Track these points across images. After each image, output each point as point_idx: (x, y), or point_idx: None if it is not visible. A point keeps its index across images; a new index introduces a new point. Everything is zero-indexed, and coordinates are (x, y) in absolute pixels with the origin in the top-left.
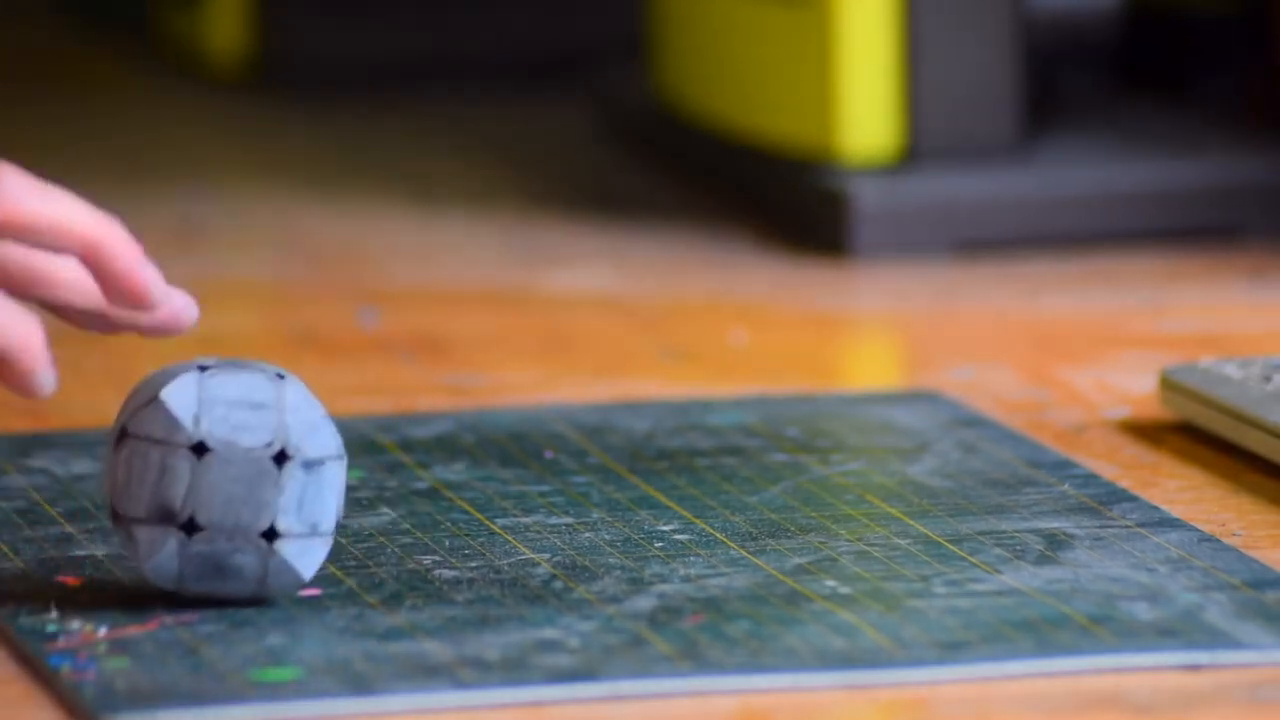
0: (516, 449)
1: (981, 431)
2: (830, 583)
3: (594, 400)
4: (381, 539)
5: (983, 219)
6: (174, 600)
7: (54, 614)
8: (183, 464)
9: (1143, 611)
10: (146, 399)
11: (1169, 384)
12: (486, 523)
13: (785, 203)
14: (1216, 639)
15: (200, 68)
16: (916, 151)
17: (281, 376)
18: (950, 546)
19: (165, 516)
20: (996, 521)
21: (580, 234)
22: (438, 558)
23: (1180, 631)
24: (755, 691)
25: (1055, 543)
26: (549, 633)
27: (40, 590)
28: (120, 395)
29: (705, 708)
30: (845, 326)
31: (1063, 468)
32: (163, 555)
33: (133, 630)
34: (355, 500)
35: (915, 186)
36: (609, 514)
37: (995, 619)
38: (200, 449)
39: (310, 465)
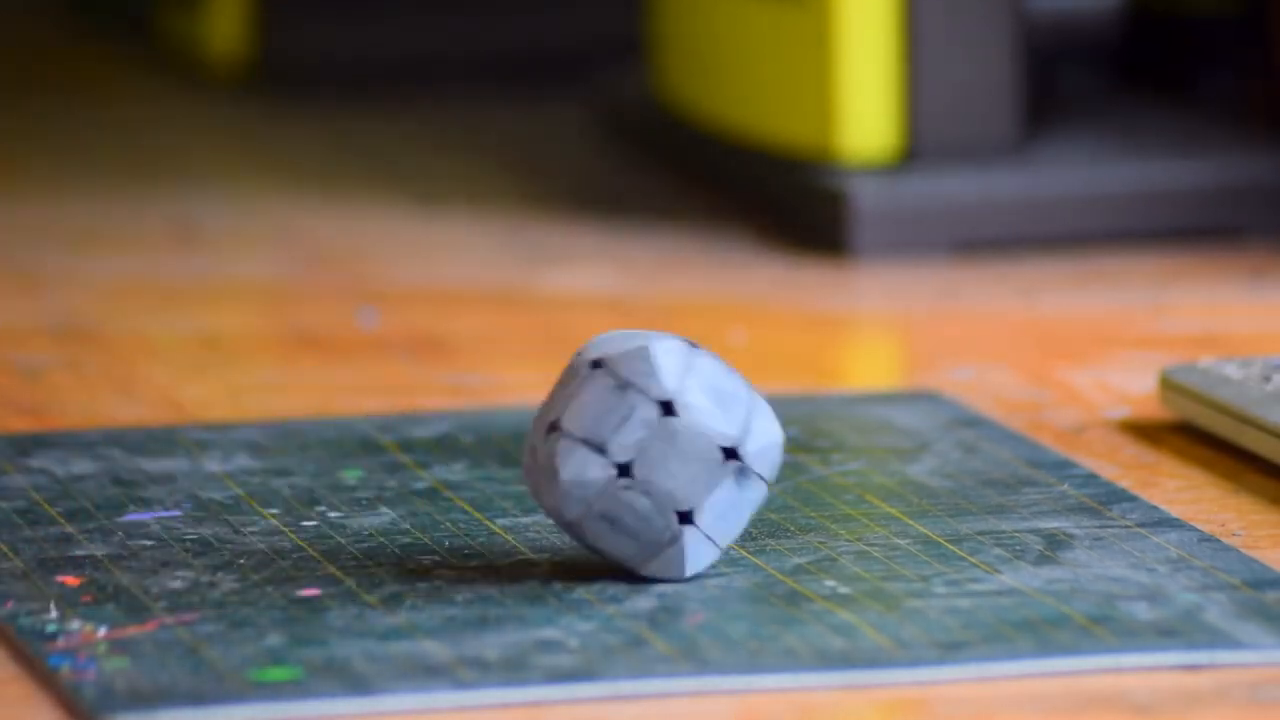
0: (516, 449)
1: (981, 431)
2: (830, 583)
3: None
4: (381, 539)
5: (982, 219)
6: (174, 600)
7: (54, 614)
8: (650, 414)
9: (1142, 611)
10: (632, 345)
11: (1169, 384)
12: (486, 523)
13: (785, 203)
14: (1216, 639)
15: (200, 68)
16: (916, 151)
17: (752, 389)
18: (950, 546)
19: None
20: (996, 521)
21: (580, 234)
22: (438, 558)
23: (1180, 631)
24: (755, 691)
25: (1055, 543)
26: (549, 633)
27: (40, 590)
28: (120, 395)
29: (705, 708)
30: (845, 326)
31: (1062, 468)
32: (586, 479)
33: (133, 630)
34: (355, 500)
35: (915, 186)
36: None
37: (995, 619)
38: (669, 408)
39: (748, 477)
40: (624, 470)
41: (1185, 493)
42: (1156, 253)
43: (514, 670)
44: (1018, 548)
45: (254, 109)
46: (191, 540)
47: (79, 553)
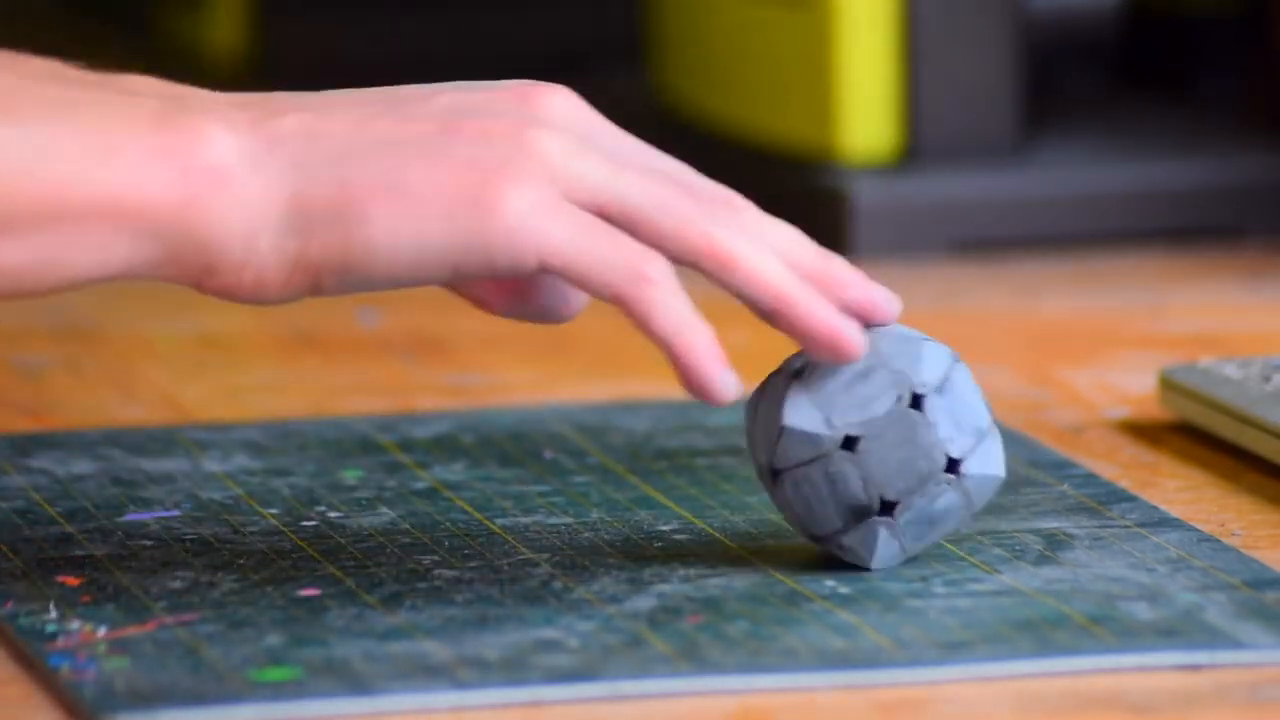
0: (516, 449)
1: None
2: (829, 583)
3: (594, 400)
4: (381, 539)
5: (983, 219)
6: (174, 600)
7: (54, 614)
8: (845, 466)
9: (1142, 611)
10: (776, 433)
11: (1168, 384)
12: (486, 523)
13: (785, 203)
14: (1216, 639)
15: (200, 67)
16: (916, 151)
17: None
18: (950, 546)
19: (861, 514)
20: (996, 521)
21: None
22: (437, 558)
23: (1180, 631)
24: (755, 691)
25: (1055, 543)
26: (548, 632)
27: (40, 590)
28: (120, 395)
29: (705, 708)
30: None
31: (1062, 468)
32: (881, 546)
33: (132, 630)
34: (354, 500)
35: (915, 186)
36: (608, 514)
37: (995, 619)
38: (849, 443)
39: (940, 389)
40: (886, 508)
41: (1185, 493)
42: (1156, 253)
43: (514, 670)
44: (1017, 548)
45: None
46: (191, 540)
47: (79, 553)
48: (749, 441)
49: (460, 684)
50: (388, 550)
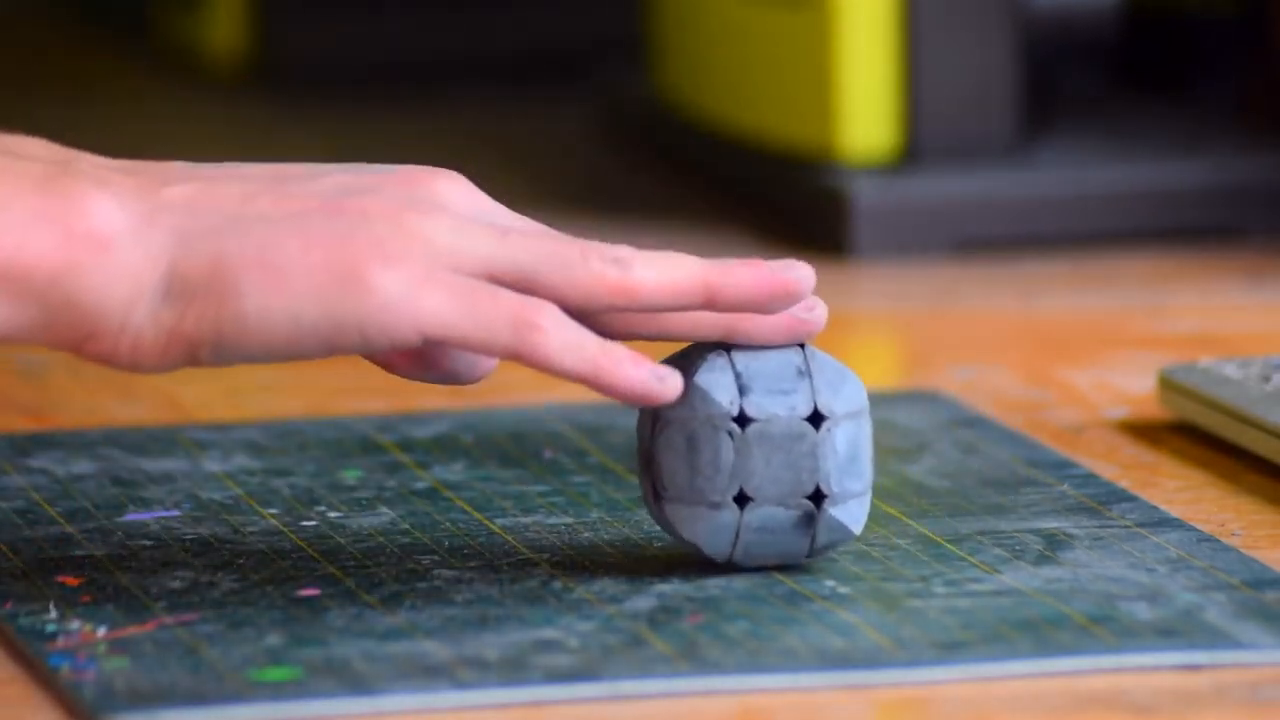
0: (516, 449)
1: (981, 431)
2: (829, 583)
3: (594, 400)
4: (381, 539)
5: (982, 219)
6: (174, 600)
7: (53, 614)
8: (725, 441)
9: (1142, 611)
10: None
11: (1168, 384)
12: (486, 523)
13: (785, 203)
14: (1216, 639)
15: (200, 68)
16: (916, 151)
17: (802, 346)
18: (949, 546)
19: (715, 494)
20: (995, 521)
21: (580, 234)
22: (437, 558)
23: (1180, 631)
24: (754, 691)
25: (1054, 543)
26: (548, 633)
27: (40, 590)
28: (120, 395)
29: (704, 708)
30: (845, 326)
31: (1062, 468)
32: (714, 532)
33: (132, 630)
34: (354, 500)
35: (915, 186)
36: (608, 514)
37: (994, 619)
38: (742, 420)
39: (846, 424)
40: (741, 500)
41: (1185, 493)
42: (1156, 253)
43: (514, 670)
44: (1017, 548)
45: (254, 109)
46: (191, 540)
47: (78, 553)
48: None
49: (460, 684)
50: (387, 550)
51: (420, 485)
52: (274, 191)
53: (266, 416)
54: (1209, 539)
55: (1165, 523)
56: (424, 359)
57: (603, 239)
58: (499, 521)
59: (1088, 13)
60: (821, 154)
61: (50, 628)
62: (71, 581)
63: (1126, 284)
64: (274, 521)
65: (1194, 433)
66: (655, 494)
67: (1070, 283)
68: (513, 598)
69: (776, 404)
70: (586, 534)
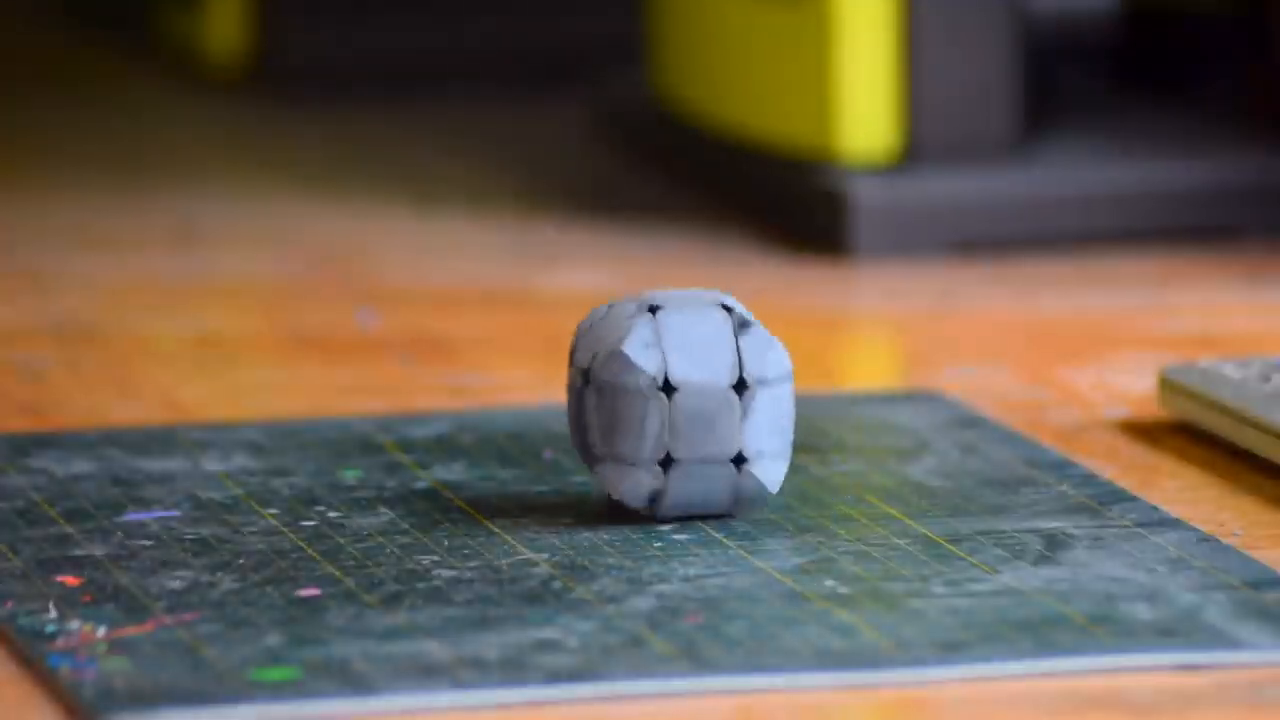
0: (515, 449)
1: (980, 431)
2: (829, 582)
3: None
4: (380, 539)
5: (982, 219)
6: (174, 600)
7: (54, 614)
8: (653, 404)
9: (1142, 611)
10: (608, 349)
11: (1168, 384)
12: (485, 523)
13: (785, 203)
14: (1216, 639)
15: (200, 68)
16: (916, 151)
17: (728, 308)
18: (949, 546)
19: (640, 457)
20: (995, 521)
21: (580, 234)
22: (437, 558)
23: (1179, 631)
24: (754, 691)
25: (1054, 543)
26: (548, 633)
27: (40, 590)
28: (120, 395)
29: (704, 708)
30: (845, 326)
31: (1061, 468)
32: (640, 488)
33: (132, 630)
34: (354, 500)
35: (915, 186)
36: (608, 514)
37: (994, 619)
38: (668, 389)
39: (769, 389)
40: (666, 462)
41: (1184, 493)
42: (1156, 253)
43: (513, 670)
44: (1017, 548)
45: (254, 109)
46: (191, 540)
47: (78, 553)
48: (573, 344)
49: (460, 684)
50: (387, 550)
51: (420, 485)
52: None
53: (266, 416)
54: (1209, 539)
55: (1165, 523)
56: None
57: (603, 239)
58: (499, 521)
59: (1088, 13)
60: (821, 154)
61: (50, 628)
62: (71, 581)
63: (1127, 284)
64: (273, 521)
65: (1194, 433)
66: (586, 453)
67: (1070, 283)
68: (513, 598)
69: (701, 370)
70: (586, 534)
